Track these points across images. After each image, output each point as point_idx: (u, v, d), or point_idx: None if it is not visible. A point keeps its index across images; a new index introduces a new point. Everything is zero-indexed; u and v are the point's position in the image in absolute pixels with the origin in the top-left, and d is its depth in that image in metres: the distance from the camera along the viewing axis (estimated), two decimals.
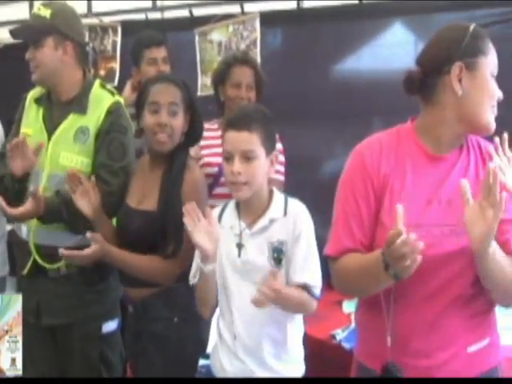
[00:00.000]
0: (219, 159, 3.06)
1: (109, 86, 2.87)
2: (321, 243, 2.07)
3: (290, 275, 2.18)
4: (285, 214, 2.22)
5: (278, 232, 2.20)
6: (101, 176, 2.59)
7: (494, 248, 1.72)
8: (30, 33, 2.65)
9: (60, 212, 2.57)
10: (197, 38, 4.15)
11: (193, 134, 2.57)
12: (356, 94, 3.68)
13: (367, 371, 1.97)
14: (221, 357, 2.22)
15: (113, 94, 2.76)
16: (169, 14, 4.35)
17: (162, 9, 4.32)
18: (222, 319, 2.24)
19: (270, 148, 2.21)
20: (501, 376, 1.94)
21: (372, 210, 1.89)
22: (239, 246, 2.21)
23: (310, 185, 3.66)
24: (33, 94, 2.80)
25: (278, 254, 2.19)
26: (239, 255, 2.20)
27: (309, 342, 2.40)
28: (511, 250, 1.81)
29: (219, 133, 3.19)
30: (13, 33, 2.69)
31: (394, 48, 3.71)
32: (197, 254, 2.16)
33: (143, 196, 2.52)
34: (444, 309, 1.85)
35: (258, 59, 3.74)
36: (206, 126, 2.93)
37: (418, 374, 1.85)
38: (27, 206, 2.50)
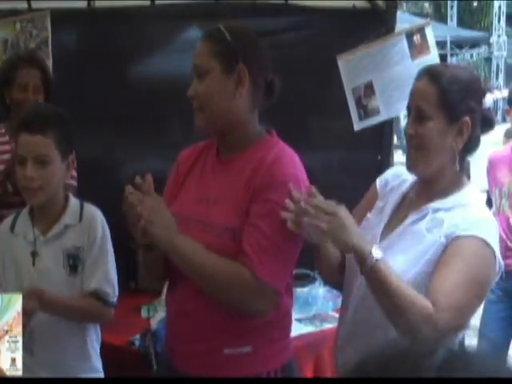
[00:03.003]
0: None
1: None
2: None
3: (86, 282, 2.13)
4: (80, 219, 2.17)
5: (73, 238, 2.16)
6: None
7: None
8: None
9: None
10: None
11: None
12: (151, 97, 3.66)
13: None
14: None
15: None
16: None
17: None
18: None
19: (65, 152, 2.14)
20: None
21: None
22: (33, 254, 2.13)
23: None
24: None
25: (74, 261, 2.13)
26: (34, 264, 2.12)
27: (107, 350, 2.37)
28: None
29: (7, 138, 3.04)
30: None
31: (189, 52, 3.72)
32: None
33: None
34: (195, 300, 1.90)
35: (50, 59, 3.60)
36: None
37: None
38: None
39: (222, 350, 1.90)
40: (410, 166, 1.88)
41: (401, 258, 1.80)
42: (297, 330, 2.89)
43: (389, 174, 2.06)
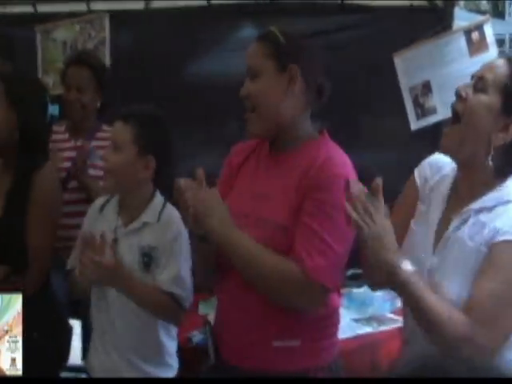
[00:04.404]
0: (68, 164, 3.00)
1: None
2: None
3: (158, 283, 2.17)
4: (158, 219, 2.22)
5: (149, 237, 2.21)
6: None
7: None
8: None
9: None
10: (39, 36, 3.99)
11: (28, 132, 2.40)
12: (207, 96, 3.69)
13: None
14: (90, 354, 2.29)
15: None
16: (13, 10, 4.10)
17: (4, 3, 4.11)
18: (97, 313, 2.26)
19: (143, 148, 2.20)
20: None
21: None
22: (114, 240, 2.20)
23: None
24: None
25: (147, 259, 2.19)
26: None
27: None
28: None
29: (67, 135, 3.11)
30: None
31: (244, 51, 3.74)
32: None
33: None
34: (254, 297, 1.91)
35: (108, 59, 3.67)
36: (55, 128, 2.86)
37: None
38: None
39: (270, 342, 1.91)
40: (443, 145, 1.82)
41: (453, 278, 1.74)
42: (353, 330, 2.90)
43: (426, 167, 1.97)
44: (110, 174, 2.22)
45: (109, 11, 3.82)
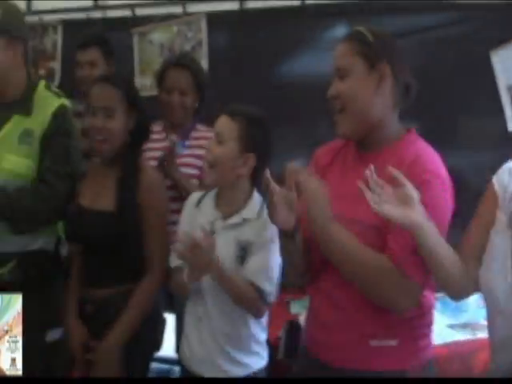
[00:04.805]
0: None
1: (54, 88, 2.80)
2: None
3: (246, 274, 2.24)
4: (258, 216, 2.27)
5: (248, 232, 2.28)
6: (47, 180, 2.54)
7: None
8: None
9: (1, 208, 2.50)
10: (135, 38, 4.11)
11: (139, 133, 2.54)
12: (301, 96, 3.70)
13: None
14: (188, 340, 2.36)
15: (59, 96, 2.70)
16: (111, 14, 4.27)
17: (104, 8, 4.25)
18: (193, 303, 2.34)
19: (245, 145, 2.27)
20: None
21: None
22: (211, 233, 2.26)
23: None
24: None
25: (243, 253, 2.27)
26: None
27: None
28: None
29: (164, 135, 3.19)
30: None
31: None
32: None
33: (97, 196, 2.49)
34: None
35: (206, 60, 3.73)
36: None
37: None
38: None
39: (367, 342, 1.92)
40: None
41: None
42: (448, 336, 2.85)
43: (505, 173, 1.92)
44: (211, 165, 2.28)
45: (205, 12, 3.89)
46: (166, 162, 2.98)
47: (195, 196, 2.43)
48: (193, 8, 3.98)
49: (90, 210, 2.48)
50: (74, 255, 2.64)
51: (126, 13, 4.18)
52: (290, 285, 3.21)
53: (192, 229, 2.29)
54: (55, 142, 2.58)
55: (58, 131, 2.59)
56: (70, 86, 3.70)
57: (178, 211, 2.55)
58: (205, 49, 3.83)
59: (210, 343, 2.30)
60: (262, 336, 2.40)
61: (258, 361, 2.37)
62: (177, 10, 4.01)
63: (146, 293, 2.45)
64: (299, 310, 3.02)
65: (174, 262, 2.32)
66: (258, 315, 2.31)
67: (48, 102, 2.64)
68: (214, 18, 3.91)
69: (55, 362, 2.66)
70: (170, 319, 2.91)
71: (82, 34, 3.55)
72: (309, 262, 2.04)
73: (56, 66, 4.36)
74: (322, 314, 2.04)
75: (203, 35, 3.85)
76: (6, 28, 2.53)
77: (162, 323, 2.63)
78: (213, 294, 2.28)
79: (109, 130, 2.44)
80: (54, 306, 2.66)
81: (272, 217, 1.93)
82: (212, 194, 2.39)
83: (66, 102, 2.69)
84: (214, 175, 2.30)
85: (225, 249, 2.23)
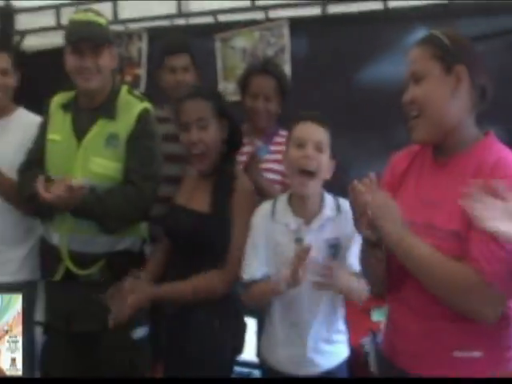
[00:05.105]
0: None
1: (136, 92, 2.89)
2: None
3: (350, 266, 2.29)
4: (338, 212, 2.34)
5: (333, 229, 2.34)
6: (133, 181, 2.62)
7: None
8: (99, 39, 2.65)
9: (92, 209, 2.58)
10: (218, 44, 4.17)
11: (232, 141, 2.60)
12: (382, 101, 3.67)
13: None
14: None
15: (141, 99, 2.78)
16: (194, 21, 4.34)
17: (188, 15, 4.33)
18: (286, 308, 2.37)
19: (331, 152, 2.34)
20: None
21: None
22: (298, 240, 2.30)
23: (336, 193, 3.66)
24: (58, 99, 2.81)
25: (334, 250, 2.32)
26: None
27: None
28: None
29: (246, 139, 3.21)
30: (82, 37, 2.62)
31: None
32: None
33: (192, 198, 2.56)
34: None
35: (289, 66, 3.74)
36: None
37: None
38: (62, 193, 2.45)
39: (450, 352, 1.88)
40: None
41: None
42: None
43: None
44: (314, 174, 2.30)
45: (287, 18, 3.90)
46: (251, 167, 3.00)
47: (266, 207, 2.43)
48: (275, 14, 4.00)
49: (186, 209, 2.54)
50: (155, 253, 2.72)
51: (209, 19, 4.24)
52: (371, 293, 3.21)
53: (272, 241, 2.35)
54: (140, 145, 2.66)
55: (142, 134, 2.67)
56: (154, 91, 3.78)
57: None
58: (287, 54, 3.84)
59: (305, 345, 2.35)
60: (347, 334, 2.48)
61: (344, 349, 2.46)
62: (259, 15, 4.04)
63: (208, 280, 2.44)
64: (380, 318, 3.00)
65: (254, 274, 2.35)
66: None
67: (131, 105, 2.72)
68: (296, 24, 3.91)
69: (139, 360, 2.74)
70: (251, 323, 2.92)
71: (167, 40, 3.60)
72: (387, 270, 2.02)
73: (141, 72, 4.49)
74: (401, 323, 2.01)
75: (285, 41, 3.86)
76: (109, 35, 2.69)
77: (243, 327, 2.65)
78: (310, 300, 2.32)
79: (205, 142, 2.49)
80: None
81: (357, 226, 1.94)
82: (283, 201, 2.41)
83: (148, 105, 2.77)
84: (317, 184, 2.34)
85: (315, 252, 2.24)
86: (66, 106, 2.77)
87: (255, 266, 2.36)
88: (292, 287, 2.19)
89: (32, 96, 2.95)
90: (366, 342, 2.85)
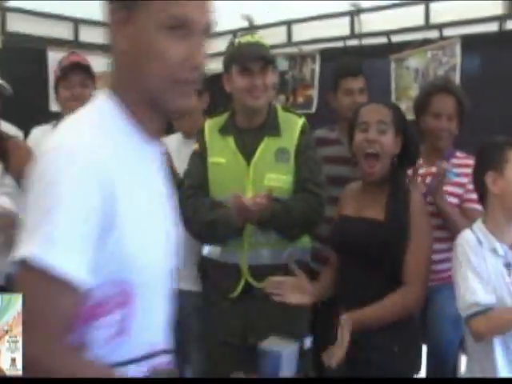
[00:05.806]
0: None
1: (291, 109, 3.12)
2: None
3: None
4: None
5: None
6: (310, 189, 2.79)
7: None
8: (268, 58, 2.84)
9: (279, 217, 2.73)
10: (393, 64, 4.18)
11: (407, 156, 2.59)
12: None
13: None
14: None
15: (299, 115, 2.97)
16: (367, 41, 4.39)
17: (360, 36, 4.39)
18: None
19: None
20: None
21: None
22: (508, 265, 2.33)
23: None
24: (211, 124, 2.97)
25: None
26: (509, 275, 2.32)
27: None
28: None
29: (421, 161, 3.10)
30: (253, 56, 2.78)
31: None
32: None
33: (364, 208, 2.56)
34: None
35: (458, 84, 3.66)
36: None
37: None
38: (263, 200, 2.62)
39: None
40: None
41: None
42: None
43: None
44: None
45: (460, 36, 3.83)
46: (438, 189, 2.96)
47: (471, 238, 2.41)
48: (449, 32, 3.95)
49: (358, 218, 2.55)
50: (324, 272, 2.74)
51: (382, 40, 4.27)
52: None
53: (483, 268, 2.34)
54: (307, 156, 2.86)
55: (307, 146, 2.88)
56: (325, 112, 3.87)
57: (440, 240, 2.60)
58: (458, 73, 3.76)
59: None
60: None
61: None
62: (432, 34, 4.00)
63: (394, 302, 2.42)
64: None
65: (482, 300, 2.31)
66: None
67: (292, 121, 2.91)
68: (468, 41, 3.83)
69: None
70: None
71: (342, 62, 3.67)
72: None
73: (314, 93, 4.60)
74: None
75: (457, 59, 3.78)
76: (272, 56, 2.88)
77: (419, 352, 2.61)
78: None
79: (381, 143, 2.49)
80: (307, 314, 2.87)
81: None
82: (479, 228, 2.42)
83: (305, 119, 2.95)
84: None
85: None
86: (223, 129, 2.93)
87: (481, 291, 2.31)
88: None
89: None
90: None
